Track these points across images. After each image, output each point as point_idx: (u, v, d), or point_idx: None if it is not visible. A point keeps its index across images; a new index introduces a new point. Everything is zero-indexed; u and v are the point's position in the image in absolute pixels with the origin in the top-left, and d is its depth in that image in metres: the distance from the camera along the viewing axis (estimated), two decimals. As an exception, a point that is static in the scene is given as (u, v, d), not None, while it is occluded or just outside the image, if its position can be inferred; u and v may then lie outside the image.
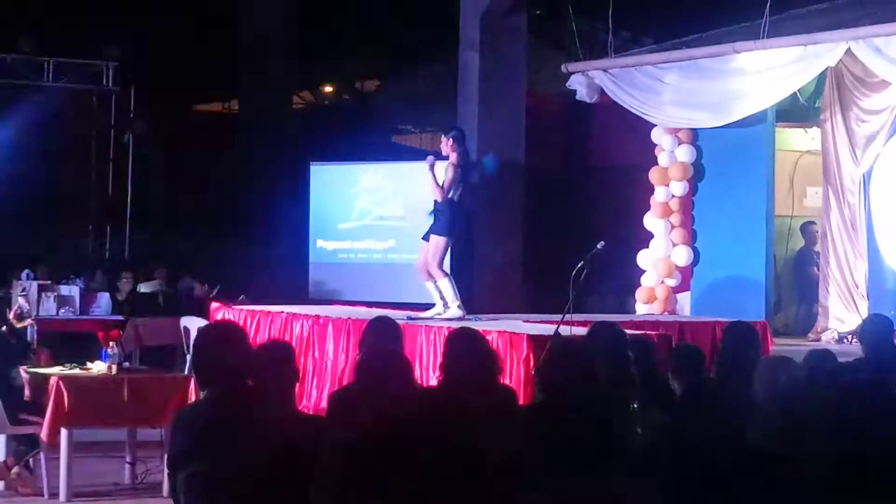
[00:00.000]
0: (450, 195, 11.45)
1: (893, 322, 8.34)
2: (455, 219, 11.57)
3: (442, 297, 11.56)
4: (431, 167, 11.54)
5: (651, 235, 14.70)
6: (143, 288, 16.62)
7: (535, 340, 9.34)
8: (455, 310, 11.45)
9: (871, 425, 4.18)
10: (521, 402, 7.02)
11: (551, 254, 14.26)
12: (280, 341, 8.13)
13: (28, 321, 10.23)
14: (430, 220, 11.69)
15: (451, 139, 11.62)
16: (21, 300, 10.73)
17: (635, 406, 6.34)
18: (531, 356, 9.23)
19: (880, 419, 4.19)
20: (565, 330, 9.26)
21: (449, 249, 11.63)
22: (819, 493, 3.17)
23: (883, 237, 13.40)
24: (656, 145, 14.74)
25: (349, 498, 4.76)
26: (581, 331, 8.47)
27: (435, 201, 11.56)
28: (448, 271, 11.64)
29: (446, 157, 11.61)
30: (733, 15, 14.13)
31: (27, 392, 9.90)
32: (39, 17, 18.81)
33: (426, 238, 11.66)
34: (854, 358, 7.73)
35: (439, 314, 11.46)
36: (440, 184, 11.44)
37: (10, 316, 10.32)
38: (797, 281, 15.28)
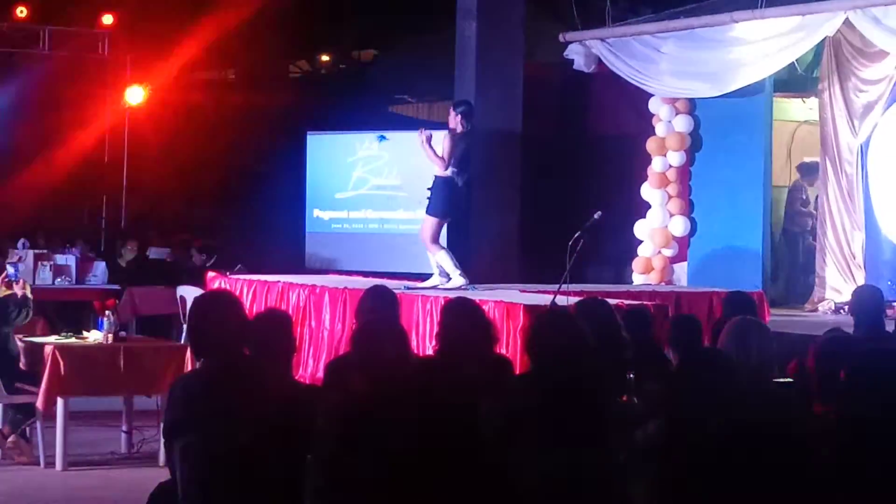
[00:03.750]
0: (449, 171, 11.38)
1: (887, 292, 8.35)
2: (450, 199, 11.52)
3: (442, 270, 11.57)
4: (428, 140, 11.48)
5: (648, 205, 14.70)
6: (153, 254, 16.62)
7: (531, 310, 9.33)
8: (458, 279, 11.44)
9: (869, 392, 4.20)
10: (516, 371, 7.03)
11: (548, 224, 14.23)
12: (277, 310, 8.13)
13: (17, 287, 10.17)
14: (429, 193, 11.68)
15: (459, 114, 11.54)
16: (8, 266, 10.68)
17: (631, 376, 6.34)
18: (527, 326, 9.22)
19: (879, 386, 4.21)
20: (562, 300, 9.26)
21: (440, 226, 11.61)
22: (815, 463, 3.18)
23: (880, 208, 13.39)
24: (654, 115, 14.73)
25: (344, 465, 4.77)
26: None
27: (435, 177, 11.51)
28: (443, 244, 11.64)
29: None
30: (731, -16, 14.08)
31: (23, 361, 9.90)
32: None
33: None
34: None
35: (437, 285, 11.46)
36: (440, 155, 11.39)
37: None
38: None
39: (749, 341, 5.66)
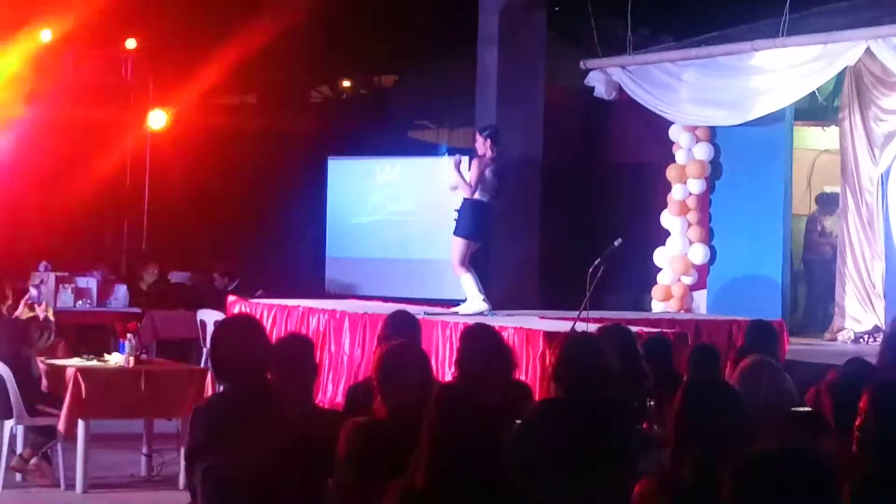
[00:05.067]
0: (477, 195, 11.43)
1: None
2: (476, 221, 11.57)
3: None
4: (457, 165, 11.54)
5: (668, 233, 14.70)
6: (174, 278, 16.69)
7: (550, 337, 9.35)
8: (479, 304, 11.46)
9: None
10: (536, 398, 7.04)
11: (568, 250, 14.26)
12: (299, 335, 8.13)
13: (39, 310, 10.25)
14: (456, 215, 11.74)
15: (487, 138, 11.58)
16: (32, 289, 10.76)
17: (652, 404, 6.35)
18: (547, 353, 9.24)
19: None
20: (581, 327, 9.27)
21: (469, 248, 11.62)
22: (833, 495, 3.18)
23: (900, 237, 13.38)
24: (674, 143, 14.74)
25: (364, 490, 4.79)
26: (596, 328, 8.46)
27: (463, 199, 11.57)
28: (469, 267, 11.64)
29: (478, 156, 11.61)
30: (753, 13, 14.11)
31: (45, 383, 9.94)
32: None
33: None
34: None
35: (464, 309, 11.49)
36: (468, 181, 11.42)
37: (21, 305, 10.37)
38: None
39: (759, 384, 5.65)
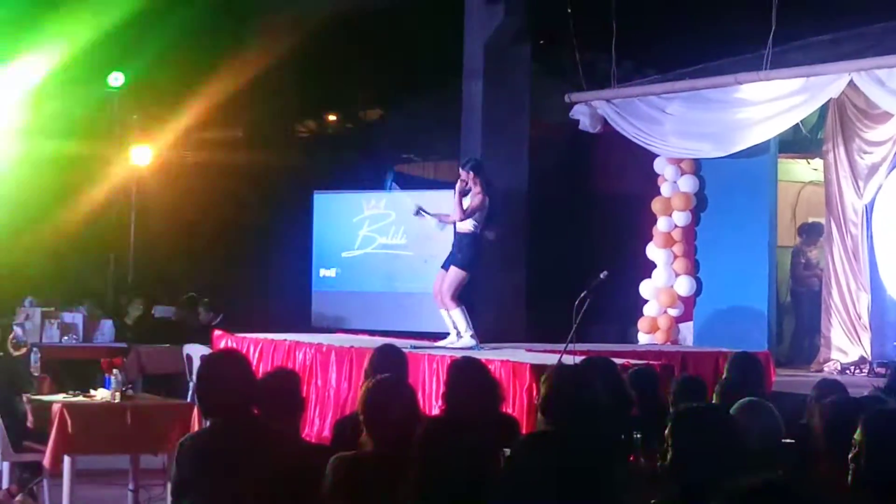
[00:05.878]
0: (471, 226, 11.47)
1: (892, 353, 8.34)
2: (477, 254, 11.63)
3: (455, 327, 11.61)
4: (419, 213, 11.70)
5: (653, 265, 14.72)
6: (158, 312, 16.66)
7: (537, 370, 9.34)
8: (468, 339, 11.47)
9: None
10: (523, 431, 7.03)
11: (554, 283, 14.26)
12: (286, 369, 8.13)
13: (24, 350, 10.23)
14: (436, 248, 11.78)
15: (470, 171, 11.63)
16: (17, 328, 10.71)
17: (638, 436, 6.34)
18: (534, 385, 9.23)
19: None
20: (568, 359, 9.27)
21: (465, 280, 11.66)
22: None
23: (885, 268, 13.41)
24: (659, 175, 14.78)
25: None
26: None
27: (459, 234, 11.59)
28: (460, 301, 11.66)
29: (468, 191, 11.66)
30: (736, 46, 14.17)
31: (30, 419, 9.91)
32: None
33: (445, 267, 11.70)
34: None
35: (452, 343, 11.49)
36: (465, 207, 11.46)
37: (8, 345, 10.34)
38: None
39: (753, 424, 5.63)
